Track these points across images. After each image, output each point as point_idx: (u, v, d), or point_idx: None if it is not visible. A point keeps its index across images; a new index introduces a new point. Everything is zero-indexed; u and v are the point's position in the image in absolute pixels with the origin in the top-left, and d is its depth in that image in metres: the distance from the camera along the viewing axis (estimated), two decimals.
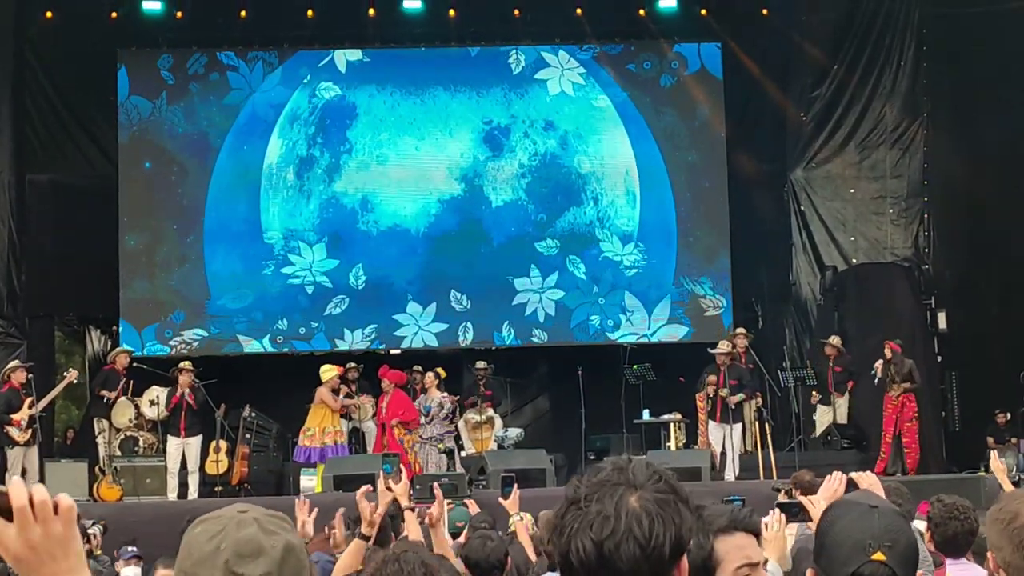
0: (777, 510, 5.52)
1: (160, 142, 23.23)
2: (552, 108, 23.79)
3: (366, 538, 6.33)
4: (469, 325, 23.24)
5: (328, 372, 19.71)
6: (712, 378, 19.87)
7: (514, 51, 23.81)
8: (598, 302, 23.39)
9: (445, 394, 20.09)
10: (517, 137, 23.74)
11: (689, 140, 23.79)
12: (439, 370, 20.40)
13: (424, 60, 23.87)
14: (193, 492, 18.66)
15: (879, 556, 3.03)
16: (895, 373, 19.49)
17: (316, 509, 7.81)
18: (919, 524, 6.57)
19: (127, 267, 22.72)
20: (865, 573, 3.02)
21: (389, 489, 6.87)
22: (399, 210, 23.45)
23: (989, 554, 3.58)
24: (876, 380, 19.69)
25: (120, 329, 22.69)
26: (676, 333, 23.32)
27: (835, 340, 21.44)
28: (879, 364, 19.63)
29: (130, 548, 11.70)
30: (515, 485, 7.99)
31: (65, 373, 20.54)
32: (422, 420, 19.49)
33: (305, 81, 23.54)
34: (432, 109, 23.67)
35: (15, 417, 18.40)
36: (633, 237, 23.56)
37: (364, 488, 6.69)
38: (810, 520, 4.98)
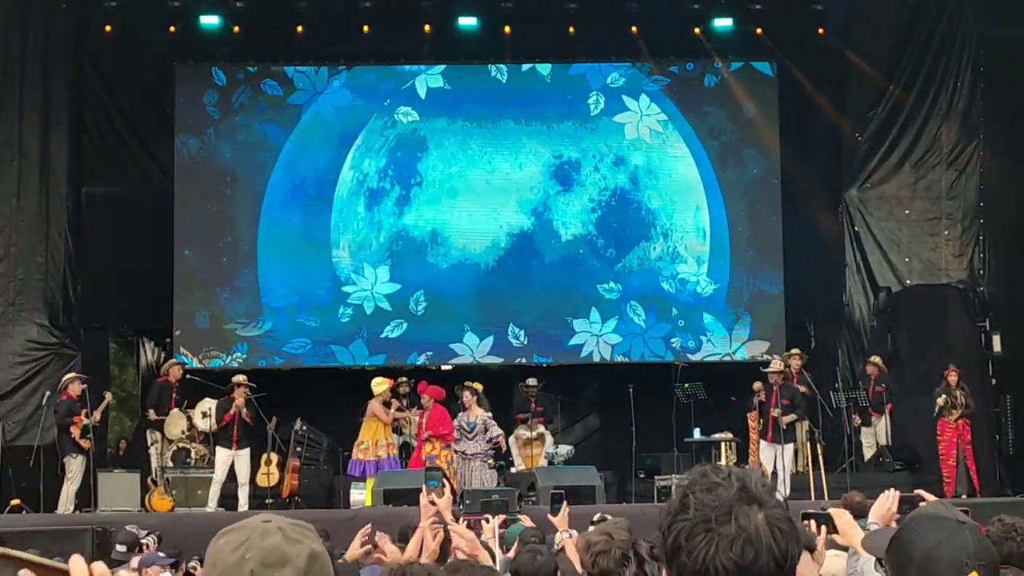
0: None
1: (216, 155, 23.35)
2: (624, 146, 23.81)
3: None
4: (523, 360, 23.24)
5: (380, 385, 19.72)
6: (758, 384, 19.88)
7: (595, 93, 23.73)
8: (678, 324, 23.35)
9: (488, 414, 19.94)
10: (587, 171, 23.72)
11: (743, 158, 23.72)
12: (476, 385, 20.33)
13: (500, 94, 23.86)
14: (244, 505, 18.70)
15: (975, 575, 3.00)
16: (963, 397, 19.41)
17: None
18: None
19: (182, 280, 22.85)
20: None
21: (432, 503, 6.89)
22: (468, 243, 23.44)
23: None
24: (938, 410, 19.62)
25: (174, 341, 22.83)
26: (759, 348, 23.21)
27: (876, 359, 21.38)
28: (942, 400, 19.57)
29: (160, 554, 11.71)
30: (565, 502, 7.98)
31: (105, 393, 20.71)
32: (456, 435, 19.41)
33: (385, 103, 23.61)
34: (503, 142, 23.69)
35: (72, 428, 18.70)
36: (704, 259, 23.50)
37: (432, 518, 6.75)
38: (835, 531, 4.96)
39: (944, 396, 19.52)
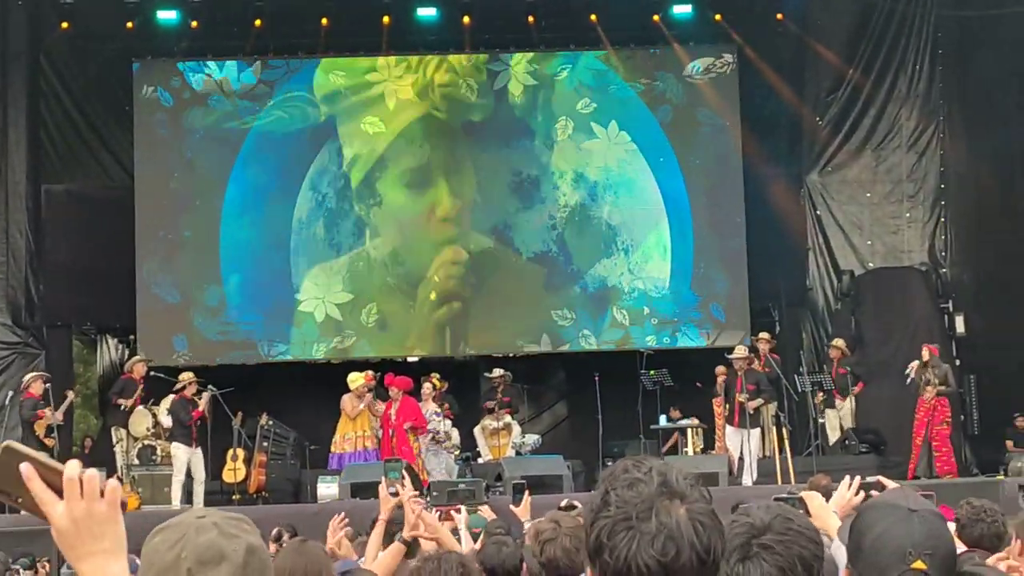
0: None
1: (176, 151, 23.25)
2: (584, 161, 23.76)
3: (407, 543, 6.36)
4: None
5: (355, 381, 19.65)
6: (721, 368, 19.92)
7: (564, 118, 23.66)
8: (651, 321, 23.44)
9: (437, 409, 19.97)
10: (547, 189, 23.66)
11: (704, 146, 23.74)
12: (434, 380, 20.41)
13: (468, 110, 23.81)
14: (200, 502, 18.60)
15: (919, 565, 2.97)
16: (933, 376, 19.41)
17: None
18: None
19: (144, 276, 22.75)
20: None
21: (395, 495, 6.86)
22: (428, 263, 23.39)
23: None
24: (909, 381, 19.61)
25: (137, 338, 22.73)
26: (730, 339, 23.23)
27: (839, 342, 21.46)
28: (914, 365, 19.52)
29: None
30: (526, 492, 7.97)
31: (68, 392, 20.60)
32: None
33: (350, 108, 23.54)
34: (462, 162, 23.65)
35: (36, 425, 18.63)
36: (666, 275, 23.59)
37: (412, 493, 6.71)
38: (807, 515, 4.95)
39: (916, 363, 19.48)
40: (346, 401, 19.56)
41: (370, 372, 20.30)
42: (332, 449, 19.64)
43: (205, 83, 23.34)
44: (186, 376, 19.42)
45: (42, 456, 2.27)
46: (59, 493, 2.25)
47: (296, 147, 23.45)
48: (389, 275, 23.36)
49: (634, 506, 2.37)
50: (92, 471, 2.26)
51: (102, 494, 2.27)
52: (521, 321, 23.39)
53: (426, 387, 19.90)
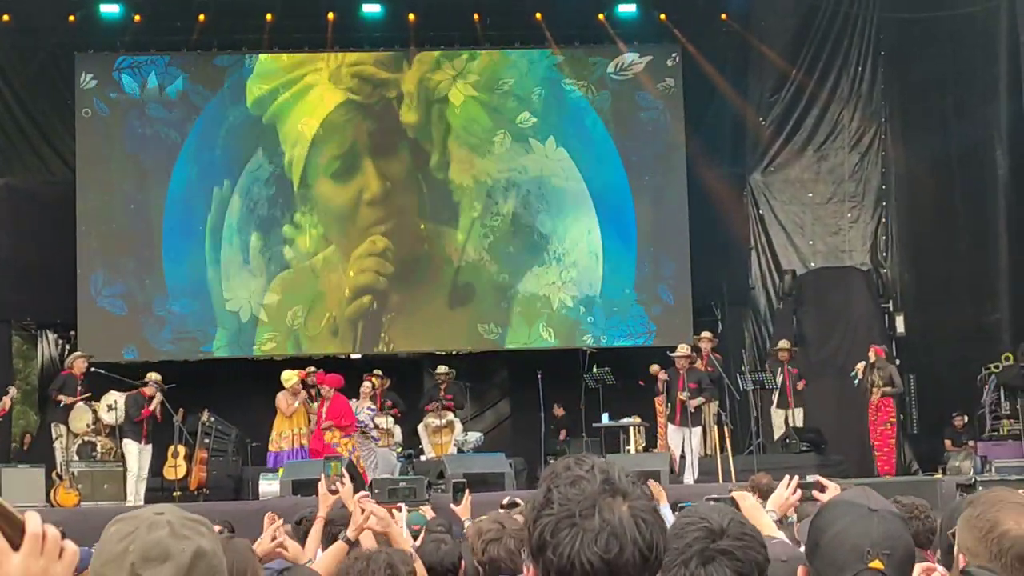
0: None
1: (118, 148, 23.08)
2: (517, 170, 23.72)
3: (351, 542, 6.31)
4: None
5: (288, 380, 19.58)
6: (655, 367, 19.99)
7: (502, 132, 23.64)
8: (587, 320, 23.46)
9: (372, 406, 19.95)
10: (480, 195, 23.61)
11: (648, 145, 23.78)
12: (374, 379, 20.43)
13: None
14: (140, 499, 18.53)
15: (877, 564, 2.96)
16: (878, 377, 19.54)
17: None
18: None
19: (84, 272, 22.59)
20: None
21: (333, 492, 6.82)
22: (356, 266, 23.32)
23: (960, 556, 3.52)
24: (856, 382, 19.74)
25: (77, 334, 22.57)
26: (635, 338, 23.32)
27: (785, 343, 21.55)
28: (860, 366, 19.68)
29: None
30: (467, 491, 7.96)
31: (9, 388, 20.45)
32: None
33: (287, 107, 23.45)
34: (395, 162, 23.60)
35: None
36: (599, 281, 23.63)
37: (362, 493, 6.67)
38: None
39: (863, 364, 19.62)
40: (280, 399, 19.49)
41: (303, 370, 20.26)
42: (269, 447, 19.59)
43: (148, 78, 23.17)
44: (152, 376, 19.33)
45: (2, 502, 2.17)
46: (12, 543, 2.15)
47: (237, 143, 23.33)
48: (318, 271, 23.31)
49: (577, 503, 2.38)
50: (52, 529, 2.17)
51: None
52: (444, 327, 23.41)
53: (365, 385, 19.86)
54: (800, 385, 21.18)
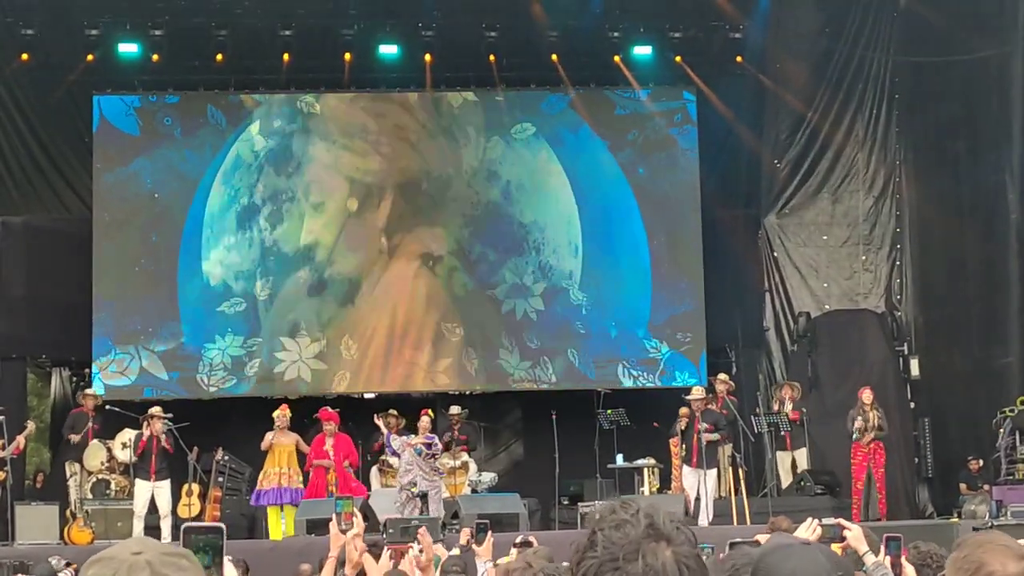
0: None
1: (135, 186, 23.13)
2: (496, 161, 23.80)
3: None
4: (347, 375, 23.18)
5: (279, 418, 19.59)
6: (684, 410, 19.94)
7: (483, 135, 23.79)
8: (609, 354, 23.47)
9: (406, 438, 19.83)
10: (459, 187, 23.67)
11: (662, 187, 23.80)
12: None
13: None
14: (167, 537, 18.45)
15: None
16: (876, 418, 19.53)
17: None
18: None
19: (100, 309, 22.62)
20: None
21: (343, 532, 6.79)
22: (339, 257, 23.42)
23: None
24: (857, 430, 19.66)
25: (91, 371, 22.59)
26: (648, 380, 23.29)
27: (792, 383, 21.53)
28: (853, 412, 19.66)
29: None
30: (489, 532, 7.95)
31: (27, 423, 20.47)
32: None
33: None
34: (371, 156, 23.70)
35: None
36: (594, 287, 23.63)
37: (357, 532, 6.64)
38: None
39: (859, 419, 19.62)
40: (266, 437, 19.43)
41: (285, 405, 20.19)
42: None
43: (166, 117, 23.30)
44: (153, 410, 19.28)
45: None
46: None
47: (253, 179, 23.43)
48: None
49: (621, 547, 2.40)
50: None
51: None
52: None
53: (424, 420, 19.60)
54: (794, 416, 20.93)
